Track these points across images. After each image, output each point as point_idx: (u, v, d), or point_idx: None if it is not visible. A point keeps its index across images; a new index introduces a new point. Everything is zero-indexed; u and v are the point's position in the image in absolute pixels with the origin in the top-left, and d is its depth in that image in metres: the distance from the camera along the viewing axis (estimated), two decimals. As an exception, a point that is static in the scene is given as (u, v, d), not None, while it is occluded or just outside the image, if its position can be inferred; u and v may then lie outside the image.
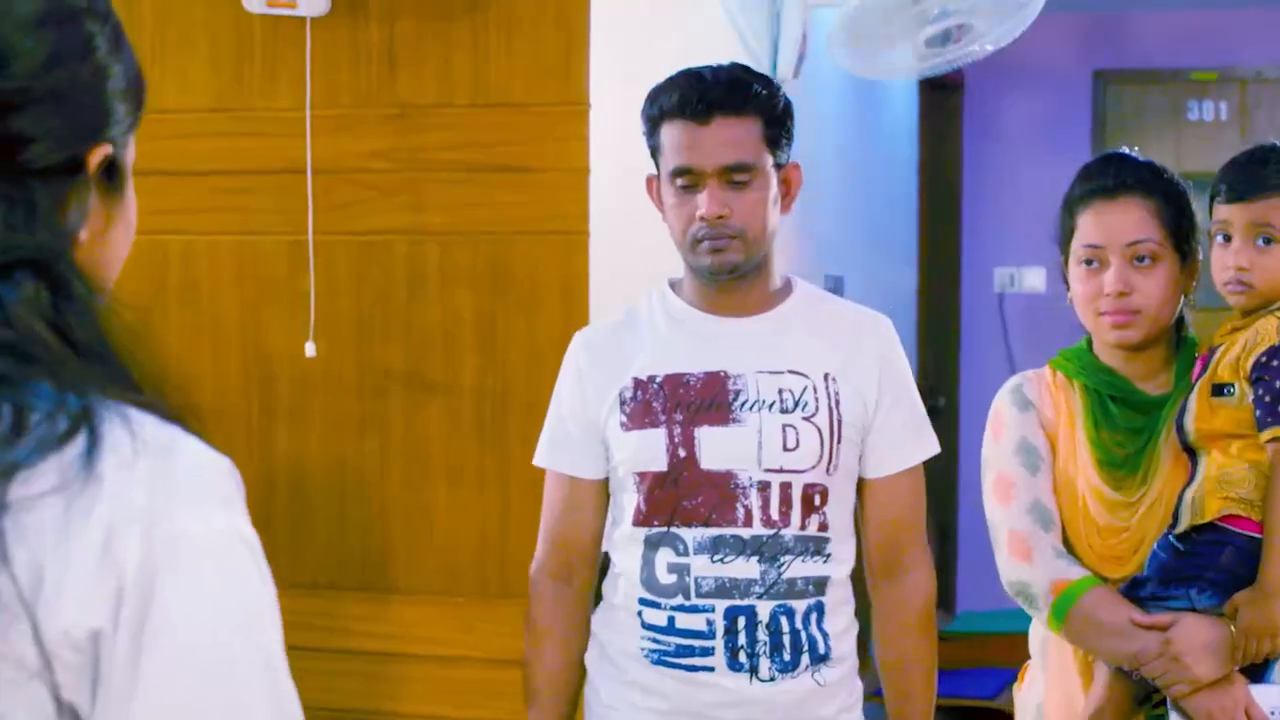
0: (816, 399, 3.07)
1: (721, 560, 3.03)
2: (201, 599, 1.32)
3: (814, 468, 3.05)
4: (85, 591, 1.28)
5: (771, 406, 3.06)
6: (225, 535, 1.35)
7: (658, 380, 3.09)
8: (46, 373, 1.32)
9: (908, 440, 3.17)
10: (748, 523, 3.03)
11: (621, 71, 4.00)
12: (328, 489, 4.05)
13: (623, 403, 3.10)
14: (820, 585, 3.07)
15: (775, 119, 3.07)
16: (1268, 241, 3.00)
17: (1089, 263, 3.10)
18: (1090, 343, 3.21)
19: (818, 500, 3.06)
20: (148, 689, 1.29)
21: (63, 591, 1.28)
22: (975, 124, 8.60)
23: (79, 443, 1.30)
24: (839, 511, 3.10)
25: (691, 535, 3.05)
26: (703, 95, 3.02)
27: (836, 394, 3.08)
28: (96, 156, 1.43)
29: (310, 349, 3.99)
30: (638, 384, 3.11)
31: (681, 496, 3.05)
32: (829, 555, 3.08)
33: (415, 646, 4.00)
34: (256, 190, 4.07)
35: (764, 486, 3.04)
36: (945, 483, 7.73)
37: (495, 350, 3.94)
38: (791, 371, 3.08)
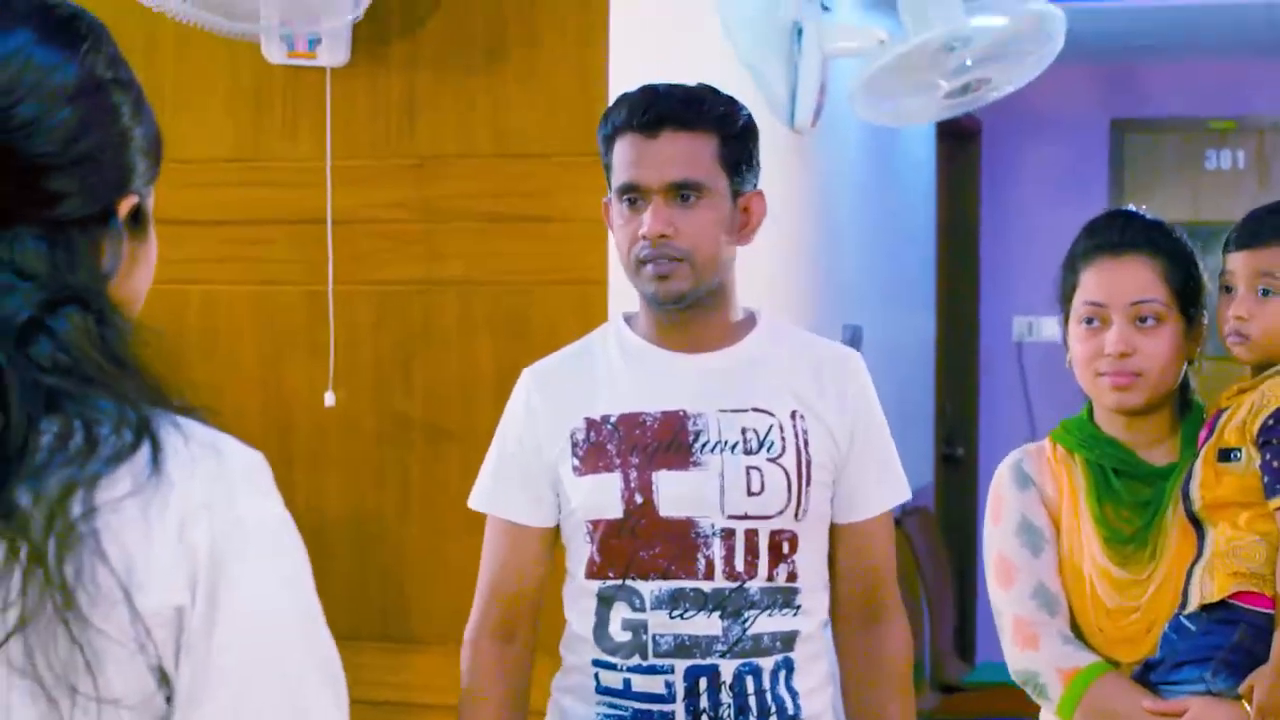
0: (783, 438, 2.84)
1: (681, 616, 2.80)
2: (260, 571, 1.59)
3: (781, 513, 2.83)
4: (168, 575, 1.53)
5: (734, 448, 2.82)
6: (274, 517, 1.63)
7: (612, 420, 2.85)
8: (104, 390, 1.54)
9: (882, 483, 2.96)
10: (709, 574, 2.80)
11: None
12: (346, 538, 4.05)
13: (575, 444, 2.87)
14: (789, 640, 2.84)
15: (733, 138, 2.85)
16: (1266, 293, 2.92)
17: (1090, 321, 2.97)
18: (1091, 411, 3.07)
19: (786, 548, 2.84)
20: (222, 648, 1.55)
21: (151, 577, 1.52)
22: (993, 173, 8.61)
23: (144, 450, 1.54)
24: (810, 560, 2.88)
25: (649, 589, 2.81)
26: (651, 107, 2.83)
27: (805, 433, 2.85)
28: (125, 206, 1.65)
29: (330, 398, 3.99)
30: (590, 424, 2.87)
31: (638, 546, 2.82)
32: (799, 607, 2.85)
33: (434, 696, 4.00)
34: (276, 240, 4.08)
35: (728, 534, 2.80)
36: (964, 531, 7.69)
37: (514, 400, 3.93)
38: (756, 410, 2.85)
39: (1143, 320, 2.94)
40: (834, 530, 2.95)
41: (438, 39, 3.97)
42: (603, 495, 2.83)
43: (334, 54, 3.92)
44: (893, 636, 3.01)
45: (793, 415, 2.86)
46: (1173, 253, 2.99)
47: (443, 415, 4.00)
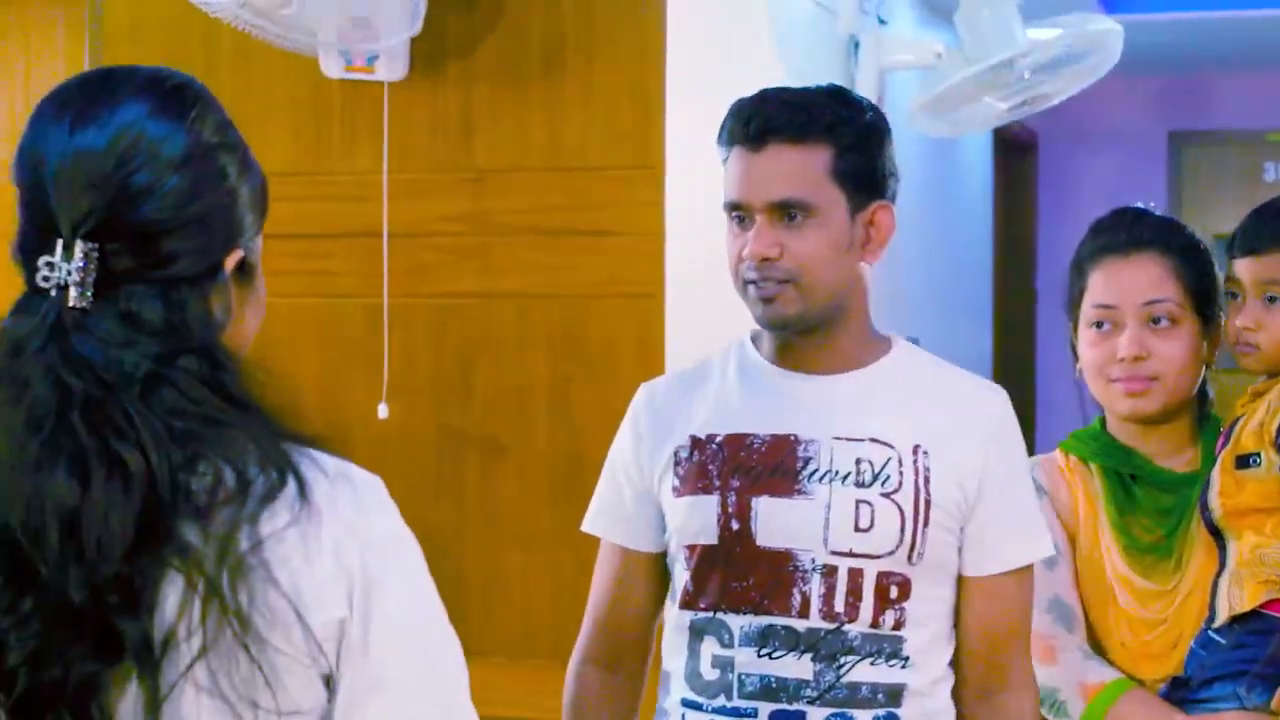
0: (901, 473, 2.55)
1: (769, 655, 2.53)
2: (402, 578, 1.78)
3: (891, 553, 2.53)
4: (330, 592, 1.69)
5: (845, 479, 2.55)
6: (403, 531, 1.82)
7: (718, 440, 2.62)
8: (233, 429, 1.69)
9: (1015, 536, 2.61)
10: (804, 613, 2.53)
11: (696, 135, 4.00)
12: (403, 551, 4.06)
13: (677, 463, 2.65)
14: (893, 695, 2.54)
15: (850, 149, 2.57)
16: (1273, 300, 2.76)
17: (1099, 325, 2.84)
18: (1104, 422, 2.93)
19: (895, 593, 2.54)
20: (380, 653, 1.72)
21: (316, 596, 1.69)
22: (1050, 185, 8.59)
23: (291, 484, 1.69)
24: (926, 610, 2.56)
25: (739, 623, 2.56)
26: (755, 117, 2.58)
27: (927, 470, 2.55)
28: (232, 260, 1.78)
29: (383, 410, 4.01)
30: (695, 443, 2.64)
31: (731, 576, 2.57)
32: (906, 659, 2.54)
33: (492, 709, 3.99)
34: (334, 254, 4.11)
35: (829, 571, 2.53)
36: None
37: (569, 413, 3.95)
38: (874, 440, 2.57)
39: (1156, 321, 2.79)
40: (960, 584, 2.62)
41: (494, 54, 3.99)
42: (698, 518, 2.60)
43: (392, 69, 3.94)
44: (1019, 712, 2.65)
45: (914, 450, 2.57)
46: (1185, 250, 2.84)
47: (499, 428, 4.00)
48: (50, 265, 1.69)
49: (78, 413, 1.64)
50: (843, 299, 2.62)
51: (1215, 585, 2.71)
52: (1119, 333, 2.82)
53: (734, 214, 2.61)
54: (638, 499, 2.71)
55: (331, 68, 3.94)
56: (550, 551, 3.96)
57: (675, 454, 2.66)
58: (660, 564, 2.72)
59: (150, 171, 1.71)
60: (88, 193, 1.69)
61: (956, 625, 2.64)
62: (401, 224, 4.03)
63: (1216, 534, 2.73)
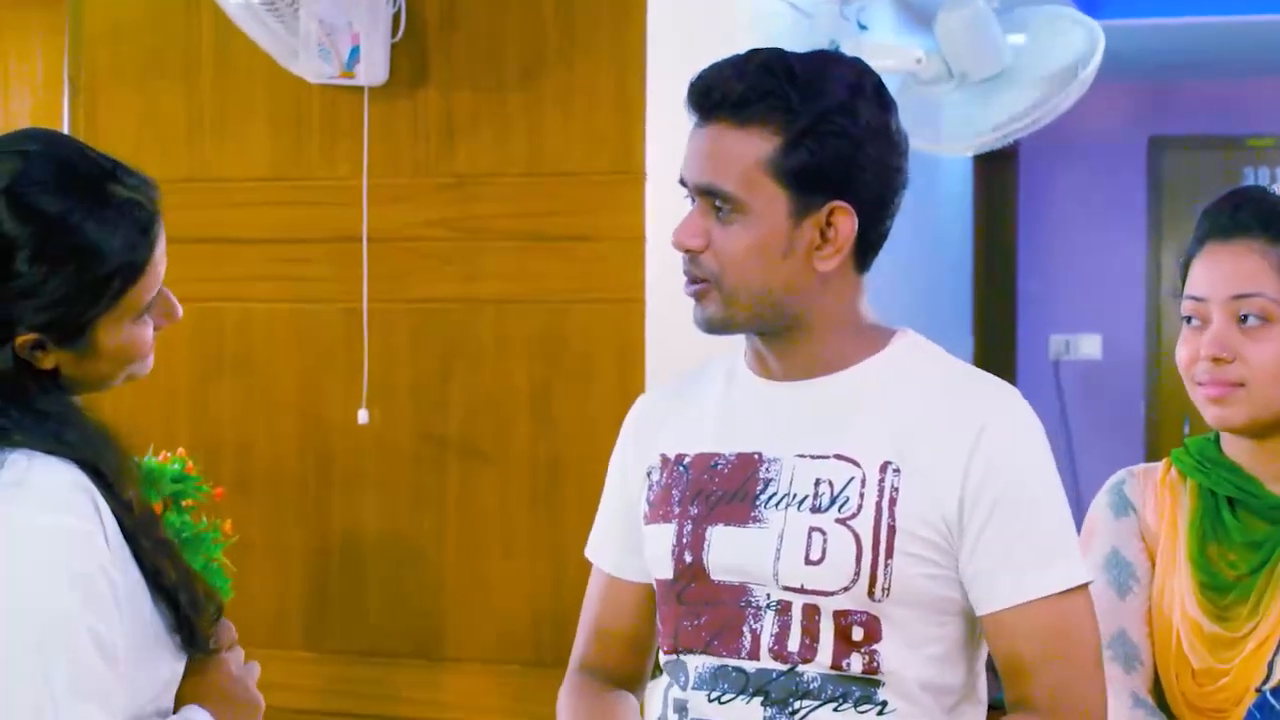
0: (862, 495, 2.20)
1: (719, 699, 2.26)
2: None
3: (846, 589, 2.19)
4: None
5: (802, 503, 2.22)
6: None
7: (686, 460, 2.34)
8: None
9: (1031, 561, 2.18)
10: (753, 653, 2.24)
11: (678, 140, 4.00)
12: (382, 557, 4.06)
13: (650, 486, 2.38)
14: None
15: (804, 139, 2.18)
16: (1246, 319, 2.39)
17: (1189, 320, 2.42)
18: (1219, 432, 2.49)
19: (859, 634, 2.20)
20: None
21: None
22: (1030, 192, 8.59)
23: None
24: (914, 654, 2.22)
25: (694, 664, 2.29)
26: (704, 86, 2.23)
27: (894, 490, 2.20)
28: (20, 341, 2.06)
29: (363, 416, 4.00)
30: (664, 463, 2.37)
31: (685, 614, 2.30)
32: (883, 705, 2.20)
33: (469, 715, 4.00)
34: (313, 259, 4.10)
35: (782, 608, 2.22)
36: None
37: (549, 419, 3.94)
38: (839, 457, 2.23)
39: (1245, 319, 2.37)
40: (981, 623, 2.24)
41: (475, 59, 3.98)
42: (658, 548, 2.33)
43: (372, 74, 3.93)
44: None
45: (882, 468, 2.21)
46: None
47: (478, 434, 4.00)
48: None
49: None
50: (789, 306, 2.25)
51: None
52: (1207, 329, 2.40)
53: (682, 187, 2.30)
54: (624, 523, 2.45)
55: (312, 73, 3.93)
56: (530, 557, 3.96)
57: (648, 474, 2.40)
58: (652, 596, 2.42)
59: None
60: None
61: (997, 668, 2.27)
62: (381, 229, 4.02)
63: None
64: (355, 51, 3.86)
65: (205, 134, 4.19)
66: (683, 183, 2.29)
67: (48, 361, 2.08)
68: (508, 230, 3.97)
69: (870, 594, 2.19)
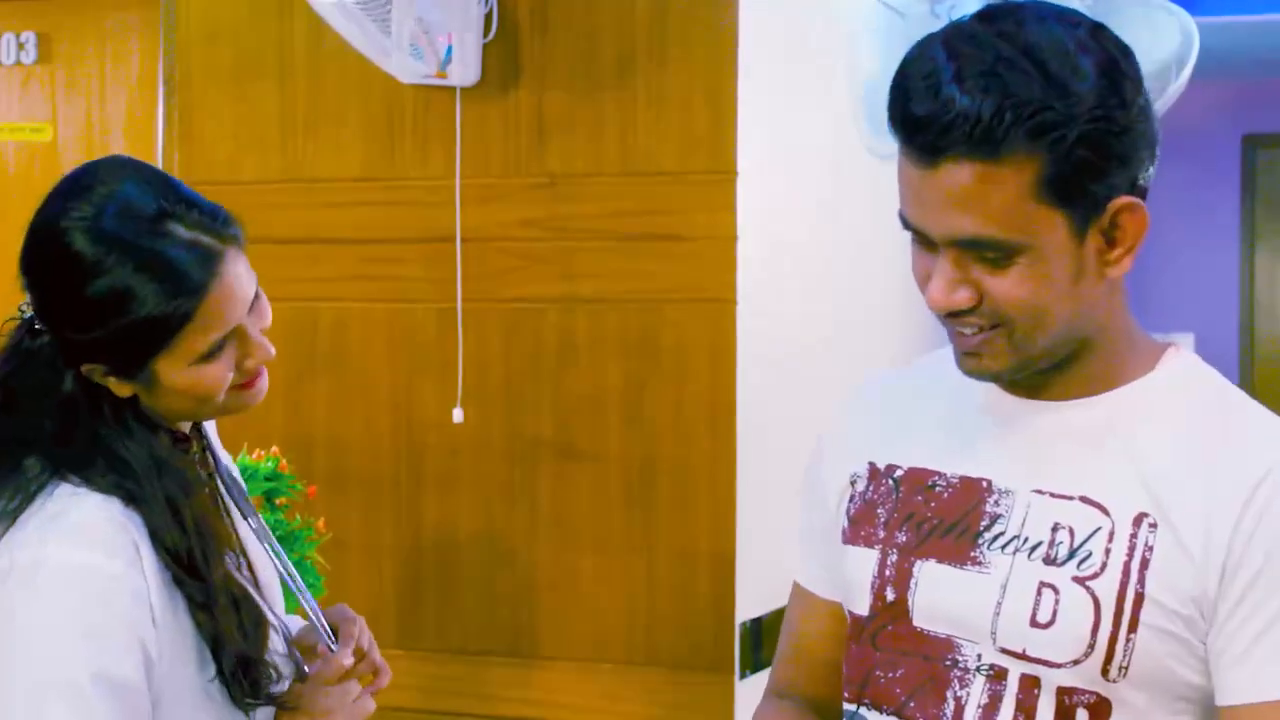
0: (1109, 551, 1.84)
1: None
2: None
3: (1076, 662, 1.84)
4: None
5: (1034, 550, 1.88)
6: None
7: (898, 473, 2.02)
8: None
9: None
10: None
11: (770, 140, 4.00)
12: (476, 555, 4.07)
13: (852, 496, 2.07)
14: None
15: (1074, 149, 1.79)
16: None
17: None
18: None
19: (1082, 718, 1.85)
20: None
21: None
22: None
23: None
24: None
25: None
26: (927, 122, 1.78)
27: (1148, 549, 1.83)
28: (89, 370, 2.12)
29: (458, 414, 4.01)
30: (873, 473, 2.06)
31: (876, 662, 1.98)
32: None
33: (561, 713, 4.00)
34: (407, 259, 4.11)
35: (997, 675, 1.88)
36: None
37: (643, 418, 3.94)
38: (1085, 500, 1.88)
39: None
40: (1220, 715, 1.86)
41: (567, 58, 3.99)
42: (857, 576, 2.02)
43: (465, 74, 3.94)
44: None
45: (1136, 520, 1.85)
46: None
47: (571, 433, 4.00)
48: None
49: None
50: (1081, 330, 1.92)
51: None
52: None
53: (907, 229, 1.92)
54: (821, 529, 2.14)
55: (404, 73, 3.94)
56: (622, 557, 3.96)
57: (852, 482, 2.09)
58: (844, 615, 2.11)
59: None
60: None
61: None
62: (474, 229, 4.03)
63: None
64: (450, 51, 3.87)
65: (299, 135, 4.21)
66: (906, 225, 1.90)
67: (123, 390, 2.10)
68: (600, 230, 3.97)
69: (1104, 672, 1.84)
